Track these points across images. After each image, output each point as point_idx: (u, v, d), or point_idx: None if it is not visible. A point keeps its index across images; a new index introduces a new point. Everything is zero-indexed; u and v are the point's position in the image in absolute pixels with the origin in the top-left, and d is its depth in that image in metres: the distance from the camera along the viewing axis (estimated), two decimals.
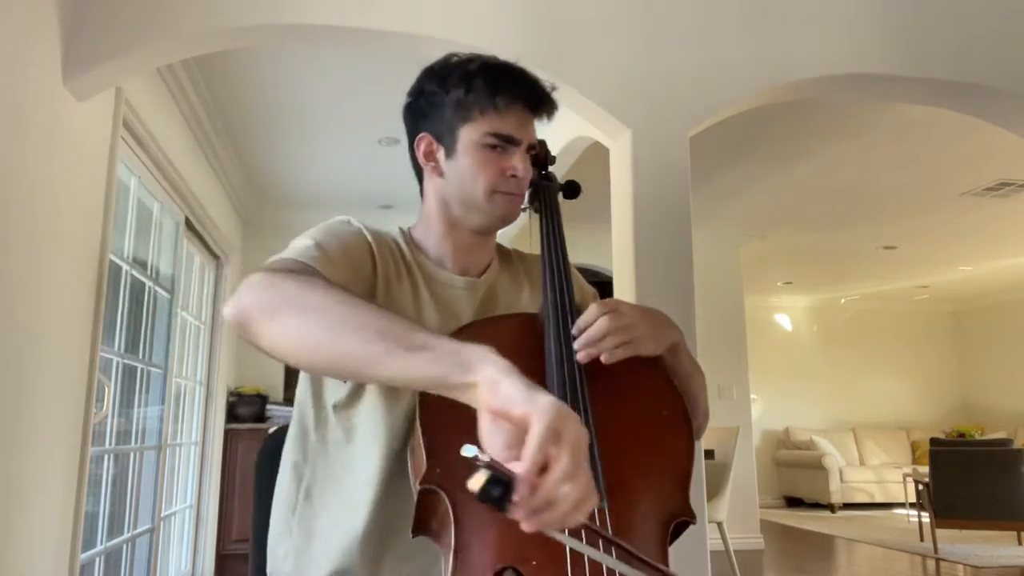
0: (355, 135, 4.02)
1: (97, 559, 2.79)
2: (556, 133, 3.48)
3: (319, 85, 3.47)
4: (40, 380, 2.05)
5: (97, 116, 2.38)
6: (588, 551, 0.74)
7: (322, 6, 2.23)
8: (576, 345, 0.94)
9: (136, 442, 3.27)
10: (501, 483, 0.65)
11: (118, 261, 2.88)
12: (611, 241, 2.58)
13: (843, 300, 9.38)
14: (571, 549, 0.78)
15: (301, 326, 0.79)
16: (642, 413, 0.95)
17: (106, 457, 2.91)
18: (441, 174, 1.08)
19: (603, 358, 0.93)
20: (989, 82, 2.58)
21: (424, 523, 0.85)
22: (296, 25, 2.23)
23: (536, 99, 1.07)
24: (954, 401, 9.51)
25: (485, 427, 0.71)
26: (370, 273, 1.02)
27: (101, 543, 2.83)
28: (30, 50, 1.89)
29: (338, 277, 0.90)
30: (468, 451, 0.66)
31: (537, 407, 0.67)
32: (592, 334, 0.93)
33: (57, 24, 2.01)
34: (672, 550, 0.89)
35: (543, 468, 0.66)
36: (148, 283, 3.36)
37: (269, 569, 1.03)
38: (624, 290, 2.44)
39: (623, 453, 0.89)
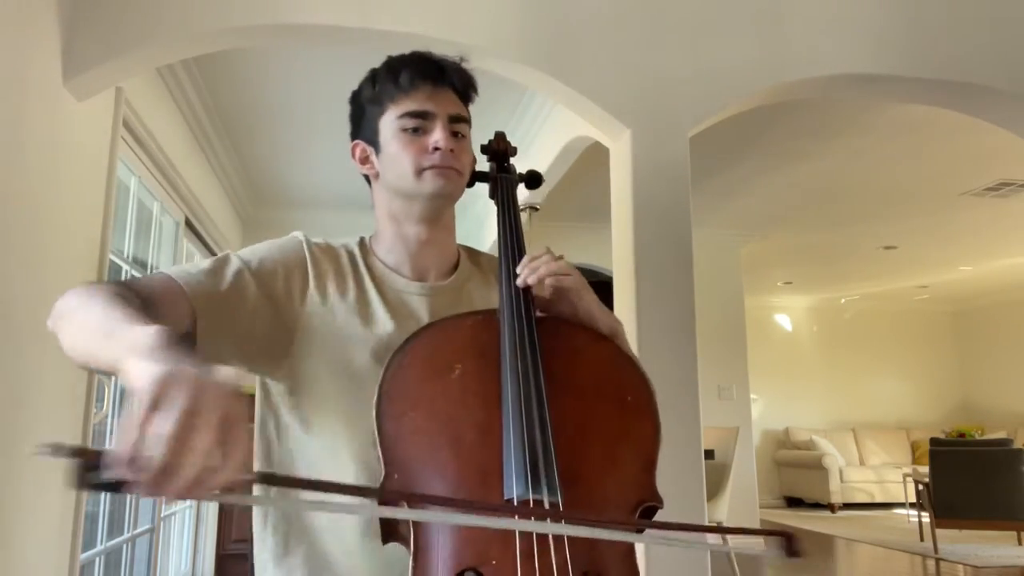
0: None
1: (97, 559, 2.79)
2: (556, 133, 3.48)
3: (319, 85, 3.47)
4: (40, 380, 2.05)
5: (97, 116, 2.38)
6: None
7: (322, 6, 2.23)
8: (518, 268, 0.98)
9: None
10: (95, 467, 0.57)
11: (118, 261, 2.87)
12: (611, 241, 2.58)
13: (843, 300, 9.38)
14: (522, 548, 0.78)
15: (69, 328, 0.84)
16: (605, 401, 0.94)
17: None
18: (377, 174, 1.09)
19: (531, 279, 0.97)
20: (989, 82, 2.58)
21: (391, 530, 0.85)
22: (296, 25, 2.23)
23: (439, 69, 1.06)
24: (954, 401, 9.50)
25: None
26: (299, 287, 1.03)
27: (101, 543, 2.83)
28: (30, 50, 1.89)
29: (220, 286, 0.96)
30: (42, 447, 0.57)
31: (140, 380, 0.63)
32: (536, 262, 0.99)
33: (57, 24, 2.01)
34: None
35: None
36: None
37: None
38: (624, 290, 2.44)
39: (583, 443, 0.88)
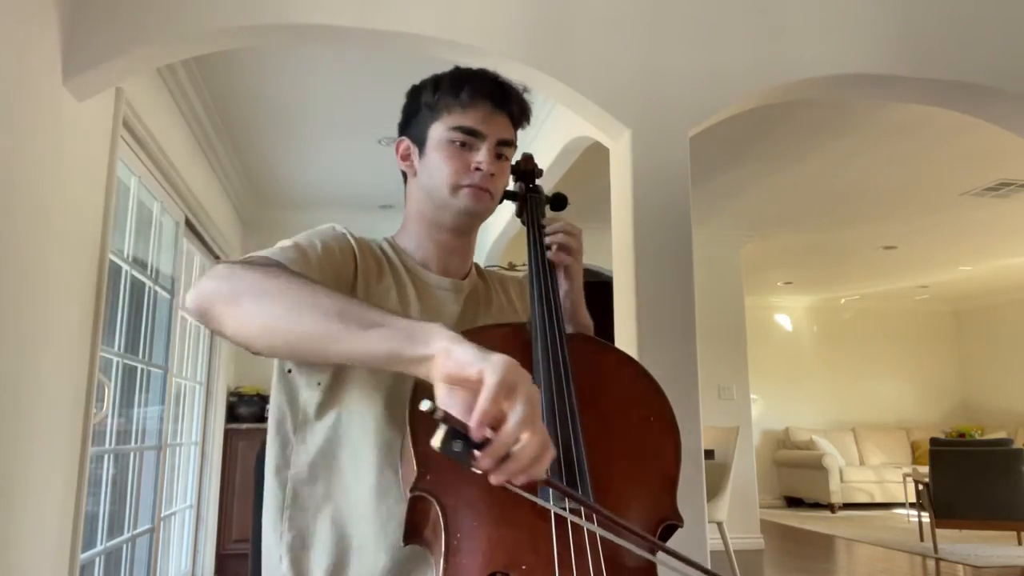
0: (355, 135, 4.01)
1: (97, 559, 2.79)
2: (556, 133, 3.48)
3: (319, 85, 3.47)
4: (40, 380, 2.05)
5: (97, 116, 2.38)
6: (570, 516, 0.77)
7: (322, 6, 2.23)
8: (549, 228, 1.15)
9: (136, 442, 3.27)
10: (459, 436, 0.66)
11: (118, 261, 2.87)
12: (611, 241, 2.58)
13: (843, 300, 9.38)
14: (560, 550, 0.79)
15: (260, 310, 0.81)
16: (629, 419, 0.96)
17: (106, 457, 2.91)
18: (415, 173, 1.12)
19: (553, 248, 1.15)
20: (989, 82, 2.58)
21: (415, 530, 0.85)
22: (296, 25, 2.23)
23: (502, 93, 1.09)
24: (954, 401, 9.50)
25: (442, 397, 0.71)
26: (351, 275, 1.04)
27: (101, 543, 2.83)
28: (30, 50, 1.89)
29: (314, 276, 0.92)
30: (425, 405, 0.66)
31: (490, 363, 0.68)
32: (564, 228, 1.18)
33: (57, 24, 2.01)
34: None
35: (497, 422, 0.67)
36: (148, 283, 3.35)
37: (265, 574, 1.03)
38: (624, 290, 2.44)
39: (610, 459, 0.90)
